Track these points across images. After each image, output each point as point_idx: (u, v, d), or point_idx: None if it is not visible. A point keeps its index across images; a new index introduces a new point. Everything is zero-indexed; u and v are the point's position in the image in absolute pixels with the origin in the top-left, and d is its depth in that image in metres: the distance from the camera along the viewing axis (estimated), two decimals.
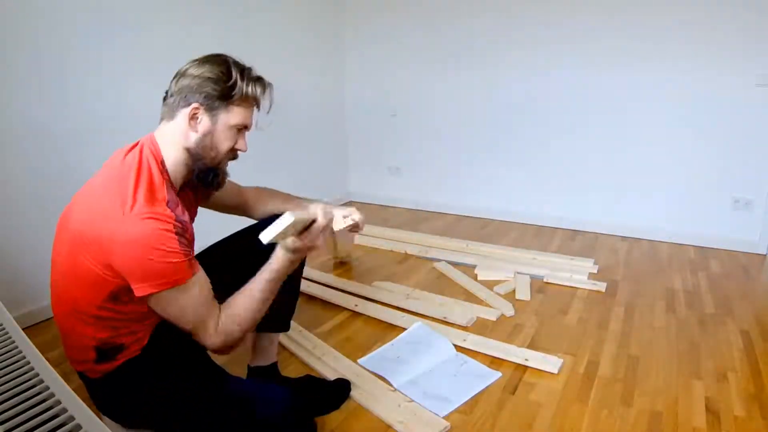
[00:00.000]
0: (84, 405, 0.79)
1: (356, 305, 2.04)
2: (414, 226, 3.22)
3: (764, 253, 2.72)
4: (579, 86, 2.98)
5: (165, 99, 1.05)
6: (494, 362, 1.64)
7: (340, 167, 3.84)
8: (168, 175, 1.03)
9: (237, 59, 1.09)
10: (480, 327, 1.89)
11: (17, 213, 1.86)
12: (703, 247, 2.84)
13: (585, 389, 1.51)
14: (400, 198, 3.73)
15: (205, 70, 1.02)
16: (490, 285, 2.27)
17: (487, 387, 1.51)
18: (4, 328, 1.03)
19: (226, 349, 1.03)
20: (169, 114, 1.04)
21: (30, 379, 0.86)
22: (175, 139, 1.03)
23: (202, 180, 1.09)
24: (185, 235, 0.96)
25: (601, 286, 2.24)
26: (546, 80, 3.07)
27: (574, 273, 2.37)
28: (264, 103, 1.10)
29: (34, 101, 1.87)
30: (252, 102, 1.08)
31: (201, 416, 1.04)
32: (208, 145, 1.05)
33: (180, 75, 1.04)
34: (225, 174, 1.14)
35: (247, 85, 1.05)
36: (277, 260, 1.04)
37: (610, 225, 3.06)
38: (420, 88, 3.49)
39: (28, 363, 0.91)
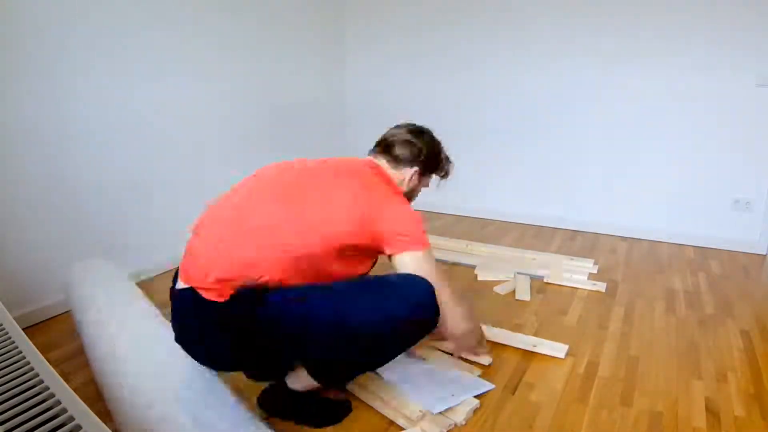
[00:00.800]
0: (84, 405, 0.79)
1: None
2: None
3: (764, 254, 2.72)
4: (579, 86, 2.98)
5: (385, 148, 1.47)
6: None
7: None
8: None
9: (434, 134, 1.58)
10: None
11: (17, 213, 1.86)
12: (703, 247, 2.84)
13: (585, 389, 1.51)
14: None
15: (432, 151, 1.52)
16: (490, 285, 2.27)
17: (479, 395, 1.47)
18: (4, 329, 1.03)
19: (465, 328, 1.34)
20: (395, 165, 1.46)
21: (30, 380, 0.86)
22: (396, 181, 1.45)
23: None
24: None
25: (601, 287, 2.24)
26: (546, 81, 3.07)
27: (574, 273, 2.37)
28: (446, 168, 1.60)
29: (28, 101, 1.87)
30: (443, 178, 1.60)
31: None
32: (411, 195, 1.53)
33: (412, 143, 1.47)
34: None
35: (448, 170, 1.60)
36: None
37: (610, 225, 3.06)
38: (420, 89, 3.49)
39: (28, 363, 0.91)
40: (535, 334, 1.83)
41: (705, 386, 1.53)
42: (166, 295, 1.30)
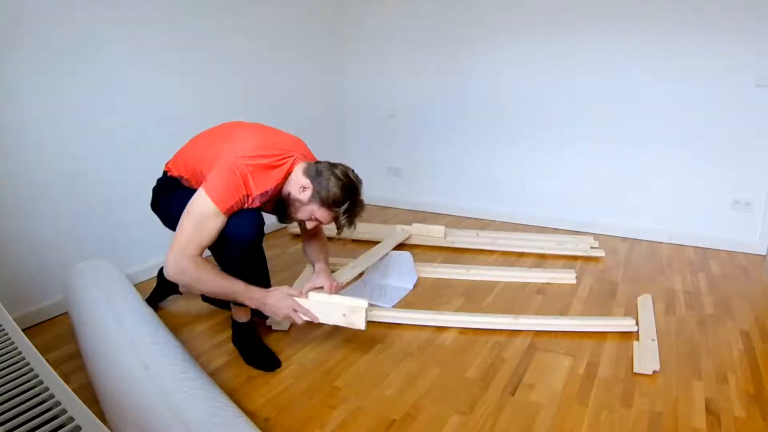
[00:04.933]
0: (84, 406, 0.79)
1: None
2: None
3: (764, 254, 2.72)
4: (579, 87, 2.98)
5: (318, 165, 1.57)
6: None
7: None
8: (281, 185, 1.56)
9: (361, 196, 1.61)
10: None
11: (17, 213, 1.86)
12: (702, 247, 2.84)
13: (585, 390, 1.51)
14: (399, 199, 3.73)
15: (337, 187, 1.52)
16: (488, 286, 2.27)
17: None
18: (3, 329, 1.03)
19: (171, 274, 1.42)
20: (306, 173, 1.55)
21: (29, 380, 0.86)
22: (291, 184, 1.56)
23: (275, 209, 1.63)
24: (244, 201, 1.46)
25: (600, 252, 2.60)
26: (546, 81, 3.07)
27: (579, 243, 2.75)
28: (343, 227, 1.59)
29: (30, 101, 1.87)
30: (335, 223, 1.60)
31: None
32: (293, 204, 1.56)
33: (329, 171, 1.54)
34: (292, 221, 1.65)
35: (344, 219, 1.56)
36: (260, 300, 1.49)
37: (610, 225, 3.06)
38: (420, 89, 3.49)
39: (28, 364, 0.91)
40: (535, 334, 1.83)
41: (705, 386, 1.53)
42: None
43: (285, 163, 1.55)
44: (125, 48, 2.16)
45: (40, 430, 0.74)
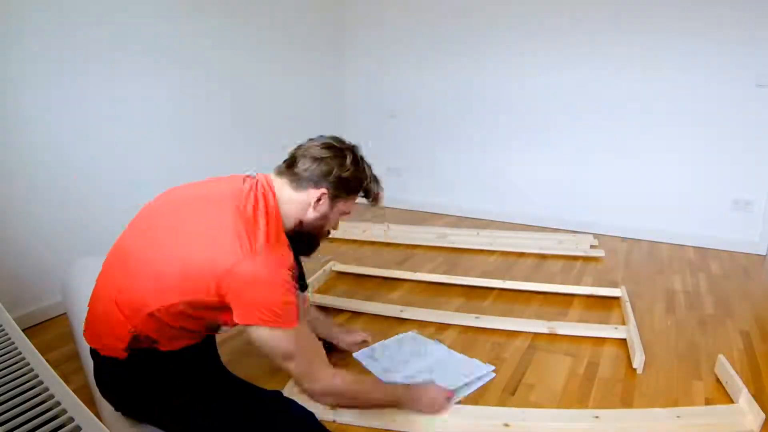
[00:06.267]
0: (83, 406, 0.79)
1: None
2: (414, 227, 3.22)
3: (764, 254, 2.72)
4: (579, 87, 2.98)
5: (290, 164, 1.18)
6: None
7: None
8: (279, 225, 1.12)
9: (358, 150, 1.24)
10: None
11: (17, 214, 1.86)
12: (702, 247, 2.84)
13: (585, 390, 1.51)
14: (400, 199, 3.73)
15: (345, 167, 1.17)
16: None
17: (482, 384, 1.51)
18: (3, 330, 1.03)
19: (322, 398, 1.17)
20: (297, 184, 1.16)
21: (29, 381, 0.86)
22: (296, 208, 1.16)
23: (298, 244, 1.19)
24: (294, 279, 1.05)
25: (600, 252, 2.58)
26: (546, 81, 3.07)
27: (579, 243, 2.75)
28: (376, 193, 1.28)
29: (31, 101, 1.87)
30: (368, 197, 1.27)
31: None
32: (319, 225, 1.21)
33: (317, 159, 1.16)
34: (318, 245, 1.29)
35: (371, 192, 1.25)
36: (407, 403, 1.30)
37: (610, 226, 3.06)
38: (420, 89, 3.49)
39: (28, 364, 0.91)
40: (535, 335, 1.83)
41: (705, 386, 1.53)
42: None
43: (256, 201, 1.09)
44: (126, 51, 2.16)
45: (40, 430, 0.74)
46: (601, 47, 2.88)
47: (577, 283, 2.29)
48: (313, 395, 1.14)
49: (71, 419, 0.76)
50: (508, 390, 1.51)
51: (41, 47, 1.87)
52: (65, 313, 1.95)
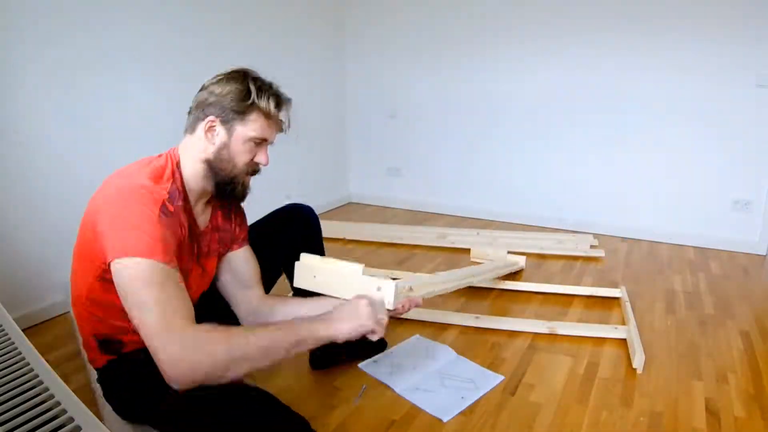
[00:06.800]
0: (84, 406, 0.79)
1: None
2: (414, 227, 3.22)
3: (764, 254, 2.72)
4: (579, 87, 2.98)
5: (189, 113, 1.08)
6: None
7: (340, 168, 3.84)
8: (182, 183, 1.04)
9: (258, 75, 1.11)
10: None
11: (17, 214, 1.86)
12: (702, 247, 2.84)
13: (585, 390, 1.51)
14: (400, 199, 3.73)
15: (224, 84, 1.04)
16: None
17: (490, 390, 1.51)
18: (3, 330, 1.03)
19: (182, 379, 0.83)
20: (190, 127, 1.07)
21: (29, 381, 0.86)
22: (195, 151, 1.05)
23: (221, 192, 1.09)
24: (173, 222, 0.95)
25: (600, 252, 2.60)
26: (546, 81, 3.07)
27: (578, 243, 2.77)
28: (280, 118, 1.13)
29: (33, 101, 1.87)
30: (268, 117, 1.09)
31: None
32: (225, 157, 1.06)
33: (202, 89, 1.07)
34: (245, 187, 1.13)
35: (262, 99, 1.06)
36: (338, 330, 0.98)
37: (610, 226, 3.06)
38: (420, 89, 3.49)
39: (28, 364, 0.91)
40: (535, 335, 1.83)
41: (705, 387, 1.53)
42: None
43: (155, 162, 1.03)
44: (125, 54, 2.16)
45: (40, 430, 0.73)
46: (602, 47, 2.88)
47: (577, 283, 2.30)
48: (160, 363, 0.83)
49: (71, 419, 0.76)
50: (509, 390, 1.51)
51: (39, 51, 1.87)
52: (65, 313, 1.96)
